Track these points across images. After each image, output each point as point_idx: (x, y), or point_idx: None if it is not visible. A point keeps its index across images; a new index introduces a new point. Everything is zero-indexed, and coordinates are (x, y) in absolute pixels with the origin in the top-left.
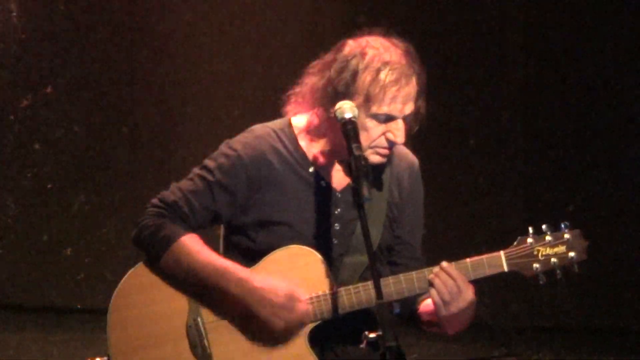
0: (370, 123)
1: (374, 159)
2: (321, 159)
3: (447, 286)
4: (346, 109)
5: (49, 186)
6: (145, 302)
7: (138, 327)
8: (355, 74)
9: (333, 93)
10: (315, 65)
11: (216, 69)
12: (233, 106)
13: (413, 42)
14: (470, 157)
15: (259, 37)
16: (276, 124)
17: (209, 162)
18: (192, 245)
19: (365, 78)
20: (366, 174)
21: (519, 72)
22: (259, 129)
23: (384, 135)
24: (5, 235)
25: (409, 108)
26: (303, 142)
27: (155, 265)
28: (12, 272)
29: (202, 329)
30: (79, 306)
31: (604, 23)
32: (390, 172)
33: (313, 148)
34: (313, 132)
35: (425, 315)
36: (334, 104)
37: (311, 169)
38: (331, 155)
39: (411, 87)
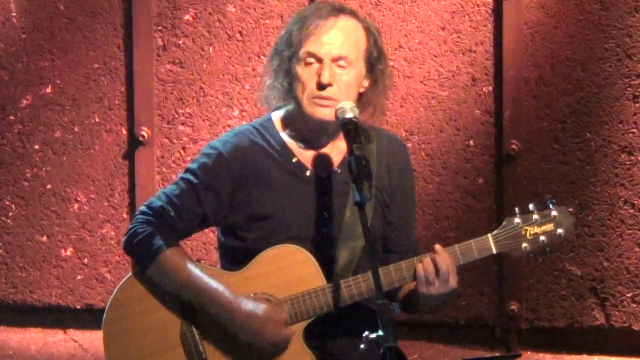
0: (300, 69)
1: (313, 110)
2: (303, 148)
3: (435, 269)
4: (347, 109)
5: (49, 186)
6: (138, 313)
7: (133, 339)
8: (288, 32)
9: (280, 60)
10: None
11: (216, 69)
12: (233, 106)
13: (414, 40)
14: (470, 156)
15: (260, 37)
16: (257, 121)
17: (191, 165)
18: (176, 260)
19: (292, 28)
20: (367, 175)
21: (520, 70)
22: (239, 127)
23: (315, 81)
24: (5, 235)
25: (336, 50)
26: (284, 134)
27: (145, 274)
28: (12, 272)
29: (196, 336)
30: (78, 306)
31: (604, 21)
32: (379, 158)
33: (294, 138)
34: (290, 121)
35: (403, 293)
36: (286, 74)
37: (294, 160)
38: (311, 141)
39: (337, 31)
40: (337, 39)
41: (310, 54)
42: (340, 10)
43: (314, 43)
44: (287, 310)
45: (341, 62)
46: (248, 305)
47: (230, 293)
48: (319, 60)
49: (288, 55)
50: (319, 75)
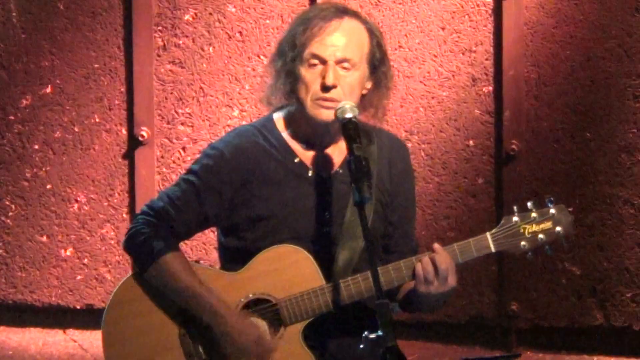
0: (304, 70)
1: (316, 112)
2: (305, 148)
3: (435, 268)
4: (347, 109)
5: (49, 186)
6: (137, 314)
7: (132, 339)
8: (292, 33)
9: (283, 61)
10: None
11: (216, 69)
12: (233, 106)
13: (414, 40)
14: (470, 157)
15: (260, 37)
16: (259, 121)
17: (193, 166)
18: (174, 266)
19: (296, 29)
20: (367, 174)
21: (520, 71)
22: (240, 127)
23: (319, 83)
24: (5, 235)
25: (340, 52)
26: (285, 134)
27: (143, 276)
28: (12, 272)
29: (195, 337)
30: (78, 306)
31: (604, 22)
32: (379, 157)
33: (296, 138)
34: (292, 122)
35: (402, 292)
36: (289, 75)
37: (296, 160)
38: (313, 142)
39: (341, 33)
40: (341, 41)
41: (315, 56)
42: (344, 12)
43: (318, 45)
44: (274, 338)
45: (345, 64)
46: (241, 323)
47: (225, 306)
48: (323, 62)
49: (292, 57)
50: (323, 77)
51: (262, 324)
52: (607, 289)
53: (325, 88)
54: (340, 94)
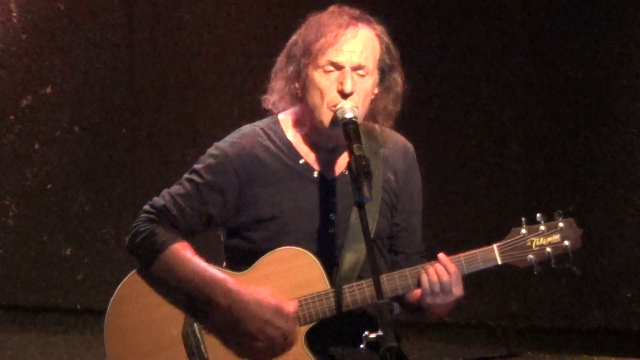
0: (319, 76)
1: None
2: (310, 150)
3: (440, 280)
4: (347, 109)
5: (49, 186)
6: (140, 310)
7: (134, 335)
8: (304, 38)
9: (295, 66)
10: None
11: (216, 68)
12: (233, 106)
13: (414, 40)
14: (470, 157)
15: (260, 37)
16: (263, 122)
17: (197, 165)
18: (182, 254)
19: (310, 35)
20: (367, 174)
21: (520, 71)
22: (245, 128)
23: (337, 89)
24: (5, 235)
25: (356, 58)
26: (291, 136)
27: (149, 272)
28: (12, 272)
29: (198, 335)
30: (78, 306)
31: (604, 22)
32: (384, 158)
33: (301, 140)
34: (298, 124)
35: (408, 299)
36: (301, 80)
37: (301, 161)
38: (319, 145)
39: (358, 41)
40: (357, 48)
41: (331, 63)
42: (358, 19)
43: (336, 52)
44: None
45: (360, 71)
46: (259, 292)
47: (238, 282)
48: (339, 69)
49: (305, 63)
50: (342, 84)
51: None
52: (607, 289)
53: (344, 95)
54: (356, 100)
